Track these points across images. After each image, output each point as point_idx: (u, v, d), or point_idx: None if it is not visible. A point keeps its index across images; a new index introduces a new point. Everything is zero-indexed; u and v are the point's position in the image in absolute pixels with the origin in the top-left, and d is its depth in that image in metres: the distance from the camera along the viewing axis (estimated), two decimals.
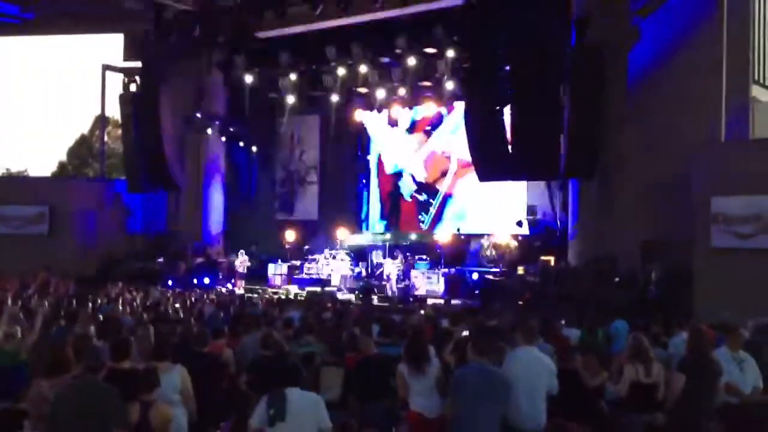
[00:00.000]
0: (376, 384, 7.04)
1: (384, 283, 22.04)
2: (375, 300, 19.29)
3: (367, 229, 27.90)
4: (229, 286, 22.92)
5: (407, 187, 27.25)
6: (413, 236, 26.30)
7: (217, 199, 26.57)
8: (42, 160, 58.93)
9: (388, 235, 26.66)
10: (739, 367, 7.09)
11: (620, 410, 6.87)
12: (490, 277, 20.57)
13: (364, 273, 23.47)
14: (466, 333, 8.64)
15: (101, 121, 30.48)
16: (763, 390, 7.06)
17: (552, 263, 19.82)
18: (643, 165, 16.78)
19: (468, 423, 6.03)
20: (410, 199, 27.13)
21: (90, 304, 13.33)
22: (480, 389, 6.02)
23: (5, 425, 5.20)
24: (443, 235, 24.33)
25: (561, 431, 3.59)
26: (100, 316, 11.04)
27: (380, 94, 24.26)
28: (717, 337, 7.89)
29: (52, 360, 6.25)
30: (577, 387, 6.95)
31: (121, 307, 12.90)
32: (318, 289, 22.13)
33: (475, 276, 21.10)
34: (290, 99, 25.32)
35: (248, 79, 24.07)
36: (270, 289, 22.75)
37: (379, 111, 26.12)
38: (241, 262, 23.99)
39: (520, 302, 17.29)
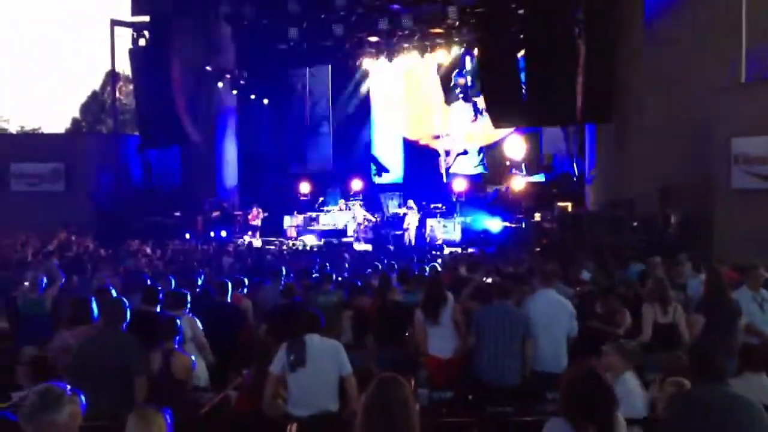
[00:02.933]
0: (393, 329, 7.13)
1: (400, 232, 22.06)
2: (391, 249, 19.31)
3: (381, 176, 27.84)
4: (246, 238, 23.02)
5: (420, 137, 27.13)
6: (429, 185, 26.24)
7: (230, 152, 26.51)
8: (55, 116, 59.15)
9: (403, 184, 26.64)
10: (760, 306, 7.06)
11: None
12: (507, 224, 20.52)
13: (379, 222, 23.48)
14: (485, 279, 8.68)
15: (112, 76, 30.28)
16: None
17: (569, 209, 19.72)
18: (661, 107, 16.49)
19: (490, 357, 6.21)
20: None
21: (110, 259, 13.49)
22: (501, 326, 6.30)
23: (36, 370, 5.30)
24: (459, 183, 24.24)
25: (585, 371, 3.56)
26: (121, 269, 11.17)
27: (391, 41, 23.90)
28: (738, 279, 7.84)
29: (73, 312, 6.34)
30: (595, 328, 7.00)
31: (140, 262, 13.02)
32: (334, 239, 22.21)
33: (492, 223, 21.05)
34: (300, 49, 25.00)
35: (257, 30, 23.78)
36: (287, 241, 22.86)
37: (390, 59, 25.79)
38: (256, 214, 24.06)
39: (537, 249, 17.27)
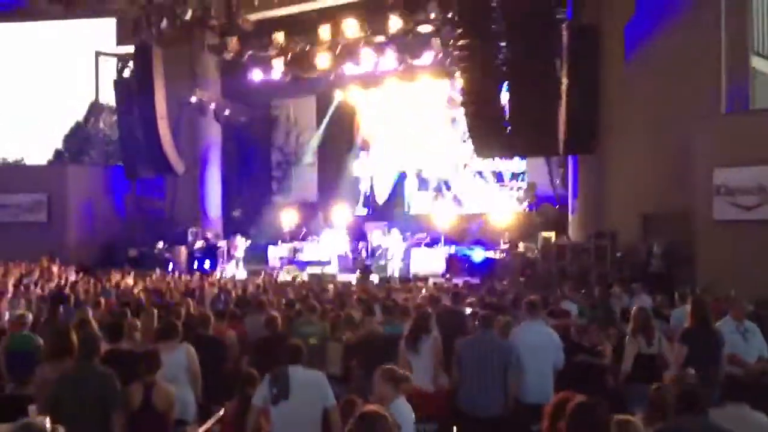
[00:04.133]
0: (378, 360, 7.07)
1: (384, 262, 22.02)
2: (375, 280, 19.26)
3: (367, 209, 27.87)
4: (230, 268, 22.89)
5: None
6: (412, 215, 26.27)
7: (214, 182, 26.49)
8: (38, 148, 58.93)
9: (387, 215, 26.67)
10: (743, 337, 7.09)
11: (625, 383, 6.87)
12: (491, 254, 20.54)
13: (363, 253, 23.45)
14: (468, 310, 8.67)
15: (96, 107, 30.29)
16: None
17: (552, 239, 19.80)
18: (643, 139, 16.68)
19: (473, 388, 6.18)
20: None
21: (92, 290, 13.35)
22: (484, 357, 6.28)
23: (12, 410, 5.21)
24: (443, 215, 24.31)
25: (570, 404, 3.54)
26: (102, 301, 11.04)
27: (375, 73, 24.10)
28: (721, 309, 7.87)
29: (54, 344, 6.26)
30: (582, 361, 6.98)
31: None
32: (318, 270, 22.12)
33: (475, 254, 21.07)
34: (284, 80, 25.15)
35: (241, 61, 23.93)
36: (270, 272, 22.74)
37: (375, 88, 25.99)
38: (239, 245, 23.97)
39: (522, 279, 17.29)
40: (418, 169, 27.01)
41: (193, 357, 6.48)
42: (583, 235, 18.60)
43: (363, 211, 27.71)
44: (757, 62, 16.25)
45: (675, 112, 15.62)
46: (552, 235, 20.18)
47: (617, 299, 10.72)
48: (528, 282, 16.61)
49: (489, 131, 19.61)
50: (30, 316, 8.32)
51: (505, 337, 6.78)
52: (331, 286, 15.71)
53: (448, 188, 26.44)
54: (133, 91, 23.61)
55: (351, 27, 22.21)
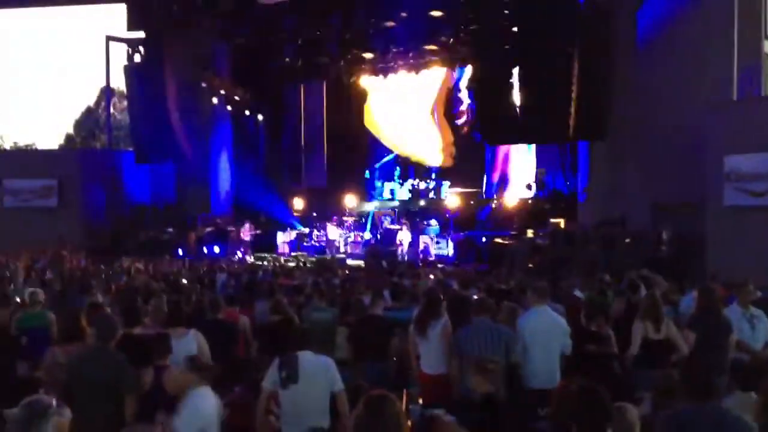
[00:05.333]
0: (371, 343, 7.11)
1: (394, 248, 22.07)
2: (384, 265, 19.31)
3: (376, 195, 27.90)
4: (239, 254, 22.99)
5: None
6: (422, 202, 26.28)
7: (224, 168, 26.55)
8: (49, 133, 59.14)
9: (396, 201, 26.71)
10: (750, 323, 7.10)
11: (632, 369, 6.89)
12: (500, 240, 20.54)
13: (373, 239, 23.51)
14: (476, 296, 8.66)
15: (106, 92, 30.34)
16: None
17: (562, 225, 19.77)
18: (654, 125, 16.61)
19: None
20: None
21: (102, 275, 13.44)
22: (484, 344, 6.28)
23: (23, 394, 5.27)
24: (452, 201, 24.33)
25: (577, 389, 3.55)
26: (113, 287, 11.13)
27: (385, 59, 24.05)
28: (729, 296, 7.87)
29: (65, 328, 6.32)
30: (590, 351, 6.98)
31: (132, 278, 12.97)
32: (327, 255, 22.20)
33: (484, 240, 21.08)
34: (295, 66, 25.14)
35: (252, 46, 23.91)
36: (280, 257, 22.83)
37: (385, 76, 25.92)
38: (248, 230, 24.05)
39: (530, 265, 17.28)
40: (422, 155, 27.01)
41: (203, 343, 6.52)
42: (593, 222, 18.56)
43: (374, 197, 27.74)
44: None
45: (687, 99, 15.56)
46: (561, 221, 20.15)
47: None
48: (536, 268, 16.61)
49: (499, 118, 19.56)
50: (42, 294, 8.40)
51: (509, 322, 6.79)
52: (339, 272, 15.78)
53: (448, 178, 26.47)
54: (144, 77, 23.62)
55: (362, 12, 22.10)
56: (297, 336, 5.56)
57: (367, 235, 23.65)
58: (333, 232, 23.95)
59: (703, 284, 7.97)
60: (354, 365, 7.07)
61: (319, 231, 24.26)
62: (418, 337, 6.78)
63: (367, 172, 28.15)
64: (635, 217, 16.87)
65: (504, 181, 25.23)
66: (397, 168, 27.42)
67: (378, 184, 27.92)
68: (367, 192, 27.84)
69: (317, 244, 23.80)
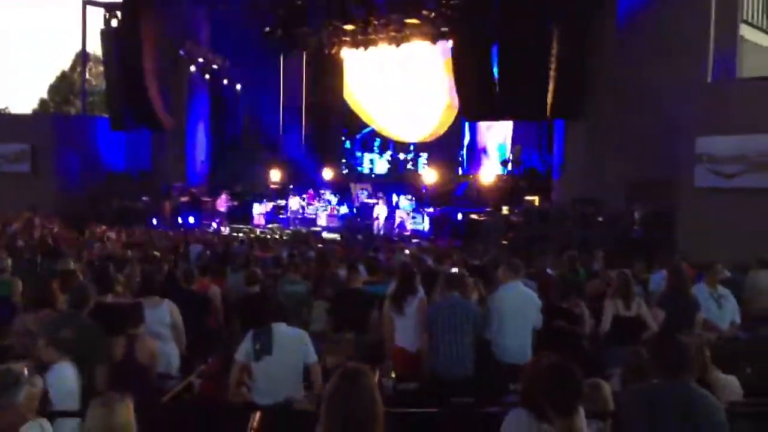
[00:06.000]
0: (351, 316, 7.15)
1: (370, 222, 22.10)
2: (360, 239, 19.34)
3: (354, 167, 27.88)
4: (214, 225, 22.88)
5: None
6: (398, 176, 26.31)
7: (201, 137, 26.30)
8: (23, 97, 58.13)
9: (373, 175, 26.71)
10: (716, 303, 7.26)
11: (602, 346, 7.01)
12: (474, 216, 20.65)
13: (349, 213, 23.50)
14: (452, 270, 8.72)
15: (82, 57, 29.83)
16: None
17: (537, 203, 19.90)
18: (630, 106, 16.71)
19: (443, 353, 6.26)
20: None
21: (75, 243, 13.33)
22: (450, 320, 6.34)
23: None
24: (428, 176, 24.36)
25: (550, 362, 3.60)
26: (86, 254, 11.05)
27: (366, 31, 23.89)
28: (698, 275, 8.02)
29: (35, 294, 6.27)
30: (561, 326, 7.08)
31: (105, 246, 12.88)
32: (303, 228, 22.18)
33: (459, 216, 21.18)
34: (274, 36, 24.88)
35: (232, 15, 23.60)
36: (255, 229, 22.76)
37: (366, 48, 25.76)
38: (224, 201, 23.92)
39: (504, 242, 17.42)
40: (398, 131, 27.02)
41: (176, 313, 6.52)
42: (567, 200, 18.71)
43: (350, 170, 27.74)
44: (746, 31, 16.24)
45: (663, 80, 15.66)
46: (536, 199, 20.28)
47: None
48: (510, 245, 16.75)
49: (478, 93, 19.58)
50: (9, 262, 8.31)
51: (485, 298, 6.87)
52: (314, 244, 15.78)
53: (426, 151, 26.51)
54: (121, 42, 23.24)
55: None
56: (272, 308, 5.57)
57: (344, 209, 23.61)
58: (309, 204, 23.88)
59: (671, 264, 8.11)
60: (333, 338, 7.11)
61: (293, 202, 24.05)
62: (394, 313, 6.81)
63: (348, 142, 28.13)
64: (610, 196, 17.04)
65: (480, 156, 25.30)
66: (377, 139, 27.43)
67: (358, 154, 27.92)
68: (347, 162, 27.83)
69: (293, 217, 23.71)
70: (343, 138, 28.32)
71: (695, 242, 13.22)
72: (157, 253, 11.05)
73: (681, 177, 14.92)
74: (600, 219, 16.50)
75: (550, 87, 17.75)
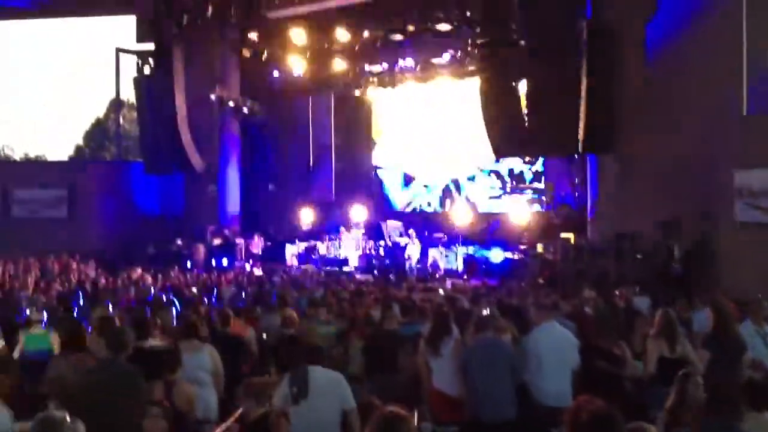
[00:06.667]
0: (383, 358, 7.05)
1: (402, 262, 21.98)
2: (392, 279, 19.25)
3: (387, 207, 27.89)
4: (248, 267, 22.96)
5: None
6: (430, 215, 26.25)
7: (233, 180, 26.56)
8: (59, 144, 59.42)
9: (405, 211, 26.70)
10: (763, 340, 7.04)
11: (644, 387, 6.81)
12: (509, 255, 20.46)
13: (381, 252, 23.43)
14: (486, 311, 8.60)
15: (116, 104, 30.52)
16: None
17: (572, 241, 19.67)
18: (663, 140, 16.53)
19: (482, 394, 6.12)
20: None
21: (111, 287, 13.44)
22: (486, 360, 6.21)
23: (30, 408, 5.22)
24: (460, 215, 24.25)
25: (592, 413, 3.50)
26: (122, 298, 11.11)
27: (393, 71, 24.11)
28: (742, 313, 7.79)
29: (69, 339, 6.29)
30: (601, 368, 6.90)
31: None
32: (336, 268, 22.14)
33: (494, 254, 21.00)
34: (303, 79, 25.22)
35: (261, 59, 24.01)
36: (289, 270, 22.77)
37: (393, 87, 25.98)
38: (257, 243, 24.03)
39: (540, 280, 17.20)
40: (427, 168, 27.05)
41: (217, 359, 6.48)
42: (602, 236, 18.47)
43: (382, 210, 27.74)
44: None
45: (696, 114, 15.49)
46: (571, 236, 20.05)
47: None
48: (547, 283, 16.54)
49: (507, 131, 19.56)
50: (44, 314, 8.34)
51: (521, 340, 6.74)
52: (348, 285, 15.73)
53: (458, 189, 26.41)
54: (153, 88, 23.74)
55: (369, 25, 22.18)
56: (307, 351, 5.52)
57: (375, 248, 23.55)
58: (341, 244, 23.87)
59: (714, 301, 7.89)
60: (365, 379, 7.02)
61: (327, 244, 24.10)
62: (430, 354, 6.69)
63: (378, 181, 28.20)
64: (646, 232, 16.78)
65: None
66: (408, 177, 27.43)
67: (388, 193, 27.94)
68: (376, 202, 27.86)
69: (326, 257, 23.71)
70: (373, 176, 28.40)
71: (738, 278, 12.91)
72: (193, 295, 11.09)
73: (720, 212, 14.65)
74: (638, 256, 16.21)
75: (581, 122, 17.67)
